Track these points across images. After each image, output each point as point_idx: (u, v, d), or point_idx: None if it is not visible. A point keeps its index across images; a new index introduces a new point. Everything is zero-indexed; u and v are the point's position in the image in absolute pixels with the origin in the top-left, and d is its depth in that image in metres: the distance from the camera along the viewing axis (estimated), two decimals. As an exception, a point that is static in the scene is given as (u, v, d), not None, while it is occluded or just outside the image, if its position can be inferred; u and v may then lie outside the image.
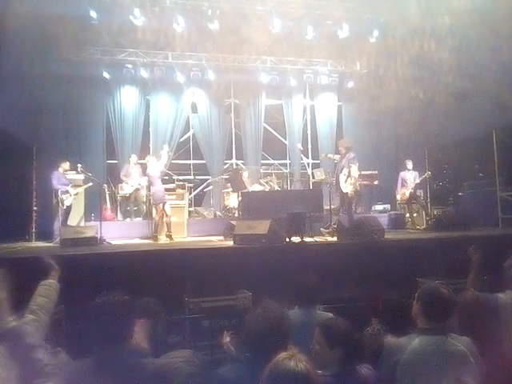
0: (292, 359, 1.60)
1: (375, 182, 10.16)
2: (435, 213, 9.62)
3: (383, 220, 8.50)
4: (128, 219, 9.53)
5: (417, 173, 9.26)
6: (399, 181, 9.33)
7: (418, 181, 9.15)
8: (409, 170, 9.25)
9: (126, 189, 9.63)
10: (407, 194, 9.13)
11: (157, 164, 8.12)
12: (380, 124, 11.96)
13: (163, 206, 7.98)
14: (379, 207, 10.73)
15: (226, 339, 2.46)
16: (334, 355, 2.22)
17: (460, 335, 2.42)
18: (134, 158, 9.85)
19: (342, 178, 7.60)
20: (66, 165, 8.43)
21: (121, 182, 9.85)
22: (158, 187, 8.05)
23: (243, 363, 2.16)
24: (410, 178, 9.17)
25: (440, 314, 2.45)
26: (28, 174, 9.14)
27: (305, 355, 2.06)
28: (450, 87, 9.15)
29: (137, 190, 9.57)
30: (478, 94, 8.65)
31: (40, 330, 2.41)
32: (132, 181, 9.52)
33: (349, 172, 7.47)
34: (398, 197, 9.51)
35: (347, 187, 7.53)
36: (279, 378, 1.57)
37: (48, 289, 2.62)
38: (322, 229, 7.85)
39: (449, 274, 4.62)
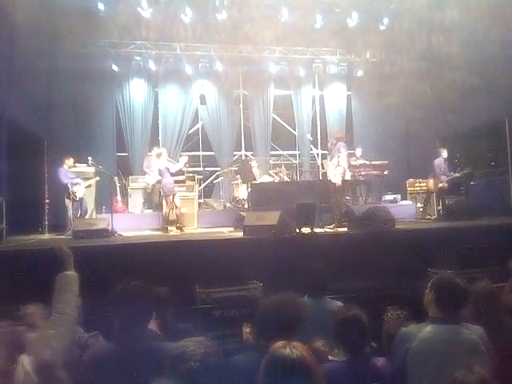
0: (287, 347, 1.63)
1: (385, 172, 10.06)
2: (447, 202, 9.51)
3: (394, 210, 8.43)
4: (138, 211, 9.60)
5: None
6: (437, 169, 8.85)
7: (458, 174, 8.80)
8: (444, 158, 8.86)
9: (148, 180, 9.65)
10: (446, 185, 8.75)
11: (166, 161, 8.13)
12: (390, 113, 11.82)
13: (173, 198, 8.03)
14: (389, 197, 10.65)
15: (247, 329, 2.49)
16: (345, 342, 2.25)
17: (473, 324, 2.42)
18: (155, 150, 9.85)
19: (331, 167, 7.52)
20: (70, 161, 8.32)
21: (143, 174, 9.88)
22: (168, 179, 8.08)
23: (257, 350, 2.18)
24: (445, 167, 8.81)
25: (453, 304, 2.44)
26: (40, 168, 9.24)
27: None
28: (461, 76, 9.01)
29: (158, 181, 9.61)
30: (491, 81, 8.51)
31: (69, 329, 2.38)
32: (154, 172, 9.55)
33: (338, 162, 7.40)
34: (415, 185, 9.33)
35: (336, 176, 7.46)
36: (276, 366, 1.60)
37: (69, 282, 2.47)
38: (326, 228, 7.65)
39: (460, 264, 4.59)
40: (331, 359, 2.28)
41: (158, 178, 9.42)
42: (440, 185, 8.84)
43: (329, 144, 7.95)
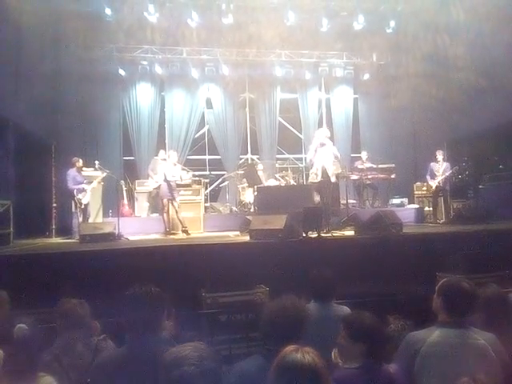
0: (299, 351, 1.60)
1: (392, 176, 9.99)
2: (455, 206, 9.42)
3: (402, 214, 8.37)
4: (144, 215, 9.60)
5: (448, 164, 8.85)
6: (428, 172, 8.93)
7: (447, 174, 8.72)
8: (438, 161, 8.81)
9: (150, 184, 9.63)
10: (433, 187, 8.79)
11: (170, 166, 8.10)
12: (397, 116, 11.78)
13: (168, 202, 7.98)
14: (396, 201, 10.57)
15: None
16: (357, 349, 2.22)
17: (484, 330, 2.38)
18: (161, 153, 9.83)
19: (331, 167, 7.20)
20: (80, 162, 8.39)
21: (146, 177, 9.89)
22: (166, 183, 8.08)
23: (263, 355, 2.16)
24: (438, 170, 8.76)
25: (461, 308, 2.40)
26: (47, 172, 9.29)
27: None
28: (468, 78, 8.95)
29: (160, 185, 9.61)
30: (499, 83, 8.44)
31: None
32: (157, 176, 9.55)
33: (333, 163, 7.19)
34: (423, 189, 9.29)
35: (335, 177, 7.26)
36: (286, 370, 1.57)
37: None
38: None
39: (469, 269, 4.53)
40: (344, 366, 2.25)
41: (160, 182, 9.43)
42: (433, 187, 8.85)
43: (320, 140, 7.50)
